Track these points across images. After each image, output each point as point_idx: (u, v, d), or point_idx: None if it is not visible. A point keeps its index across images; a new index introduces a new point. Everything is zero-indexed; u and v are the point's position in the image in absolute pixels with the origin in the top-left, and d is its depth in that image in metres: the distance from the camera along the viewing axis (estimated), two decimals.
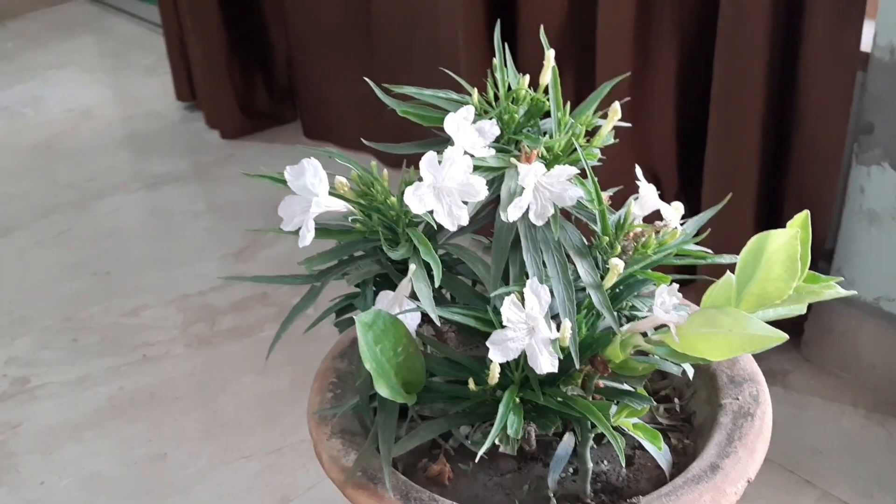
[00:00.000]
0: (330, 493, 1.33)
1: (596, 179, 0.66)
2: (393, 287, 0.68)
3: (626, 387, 0.71)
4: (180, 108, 2.43)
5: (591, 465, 0.71)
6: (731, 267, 0.66)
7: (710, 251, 0.73)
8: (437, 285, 0.63)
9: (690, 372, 0.70)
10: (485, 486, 0.73)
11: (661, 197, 0.72)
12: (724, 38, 1.23)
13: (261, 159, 2.15)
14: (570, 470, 0.74)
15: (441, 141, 0.70)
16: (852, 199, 1.35)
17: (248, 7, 2.18)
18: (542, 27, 0.73)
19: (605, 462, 0.75)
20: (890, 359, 1.39)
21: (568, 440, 0.73)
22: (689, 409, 0.79)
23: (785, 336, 0.60)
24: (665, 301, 0.64)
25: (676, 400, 0.80)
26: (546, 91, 0.71)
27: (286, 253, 1.86)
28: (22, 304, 1.73)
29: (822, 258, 1.40)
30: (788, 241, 0.60)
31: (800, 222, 0.61)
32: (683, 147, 1.40)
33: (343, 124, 2.08)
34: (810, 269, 0.63)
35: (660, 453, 0.71)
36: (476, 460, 0.63)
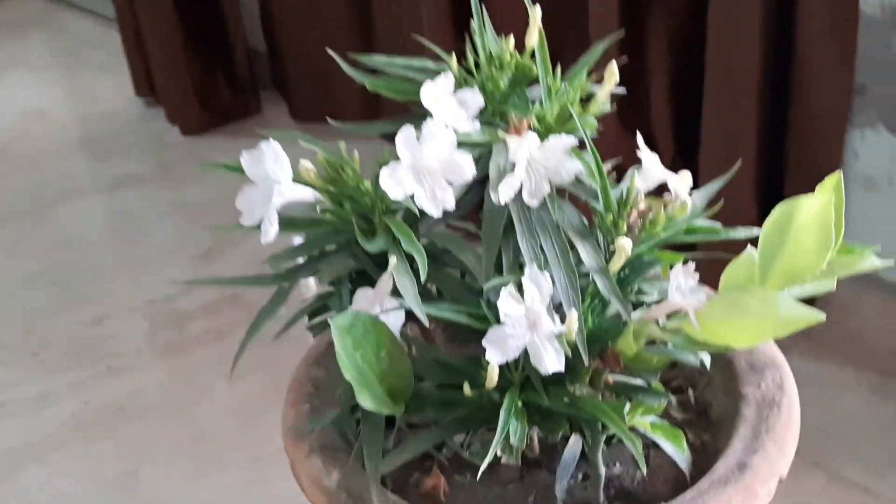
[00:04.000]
0: None
1: (596, 150, 0.59)
2: (371, 284, 0.60)
3: (637, 382, 0.64)
4: (138, 106, 2.34)
5: (603, 470, 0.64)
6: (750, 242, 0.59)
7: (719, 225, 0.66)
8: (423, 280, 0.55)
9: (707, 361, 0.62)
10: (485, 499, 0.66)
11: None
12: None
13: (224, 155, 2.06)
14: (580, 476, 0.67)
15: (420, 116, 0.62)
16: (847, 165, 1.28)
17: None
18: None
19: (617, 465, 0.68)
20: (892, 330, 1.33)
21: (574, 443, 0.66)
22: (704, 400, 0.72)
23: (822, 315, 0.53)
24: (681, 283, 0.56)
25: (690, 391, 0.73)
26: (532, 55, 0.63)
27: (255, 251, 1.76)
28: None
29: None
30: (821, 208, 0.53)
31: (831, 186, 0.54)
32: (679, 112, 1.33)
33: (336, 102, 2.00)
34: None
35: (678, 454, 0.63)
36: (478, 475, 0.55)
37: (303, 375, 0.72)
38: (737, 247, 0.60)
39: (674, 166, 0.64)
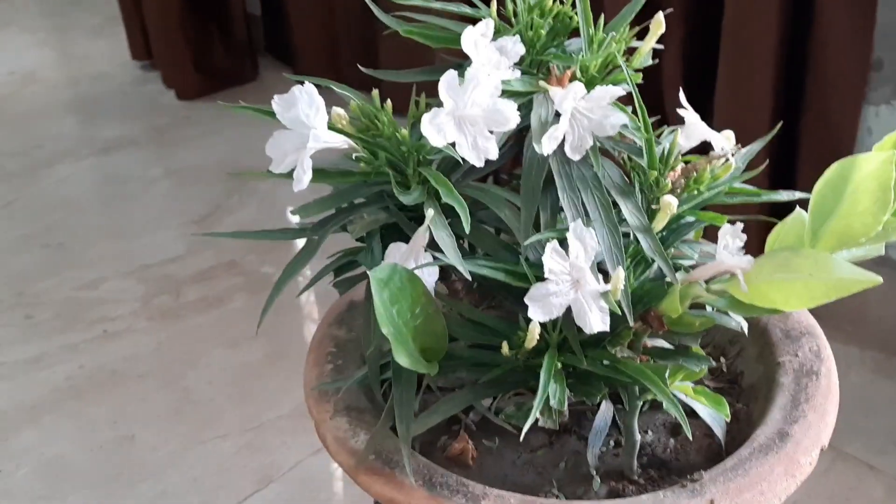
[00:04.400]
0: (315, 472, 1.24)
1: (643, 103, 0.56)
2: (402, 238, 0.58)
3: (666, 345, 0.61)
4: (131, 70, 2.29)
5: (638, 437, 0.62)
6: (799, 203, 0.57)
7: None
8: (467, 232, 0.52)
9: (745, 327, 0.60)
10: (514, 464, 0.64)
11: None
12: None
13: (220, 121, 2.02)
14: (611, 443, 0.65)
15: (453, 66, 0.60)
16: (859, 142, 1.26)
17: None
18: None
19: (650, 432, 0.66)
20: None
21: (606, 409, 0.64)
22: (736, 368, 0.70)
23: (878, 278, 0.51)
24: (729, 244, 0.54)
25: (722, 359, 0.71)
26: (573, 5, 0.61)
27: (251, 219, 1.74)
28: None
29: None
30: (881, 166, 0.50)
31: (892, 143, 0.52)
32: (691, 81, 1.31)
33: (343, 64, 1.97)
34: None
35: (717, 421, 0.62)
36: (521, 436, 0.53)
37: (324, 335, 0.70)
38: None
39: None
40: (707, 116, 1.30)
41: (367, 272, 0.53)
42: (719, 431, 0.62)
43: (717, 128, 1.30)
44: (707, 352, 0.72)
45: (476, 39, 0.55)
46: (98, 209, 1.83)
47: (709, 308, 0.58)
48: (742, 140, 0.65)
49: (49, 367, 1.38)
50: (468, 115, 0.52)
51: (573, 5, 0.60)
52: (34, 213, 1.78)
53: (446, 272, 0.61)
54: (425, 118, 0.51)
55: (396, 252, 0.57)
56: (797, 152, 1.24)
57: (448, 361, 0.58)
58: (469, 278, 0.53)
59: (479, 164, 0.53)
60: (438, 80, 0.53)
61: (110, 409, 1.30)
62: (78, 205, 1.82)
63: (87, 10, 2.64)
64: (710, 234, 0.62)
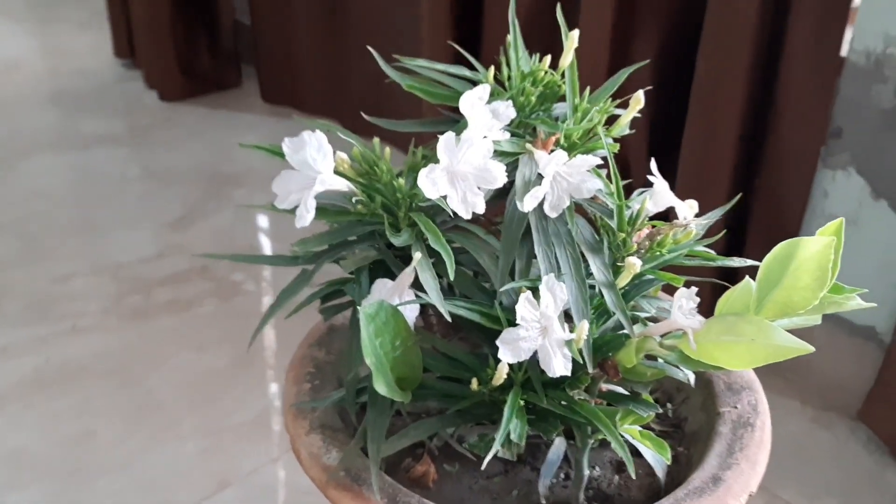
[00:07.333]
0: (271, 479, 1.28)
1: (617, 171, 0.62)
2: (388, 275, 0.63)
3: (620, 390, 0.67)
4: (115, 66, 2.32)
5: (587, 471, 0.67)
6: (747, 272, 0.63)
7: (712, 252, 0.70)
8: (451, 277, 0.58)
9: (693, 379, 0.66)
10: (470, 489, 0.69)
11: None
12: (710, 33, 1.20)
13: (202, 125, 2.06)
14: (561, 475, 0.70)
15: (449, 121, 0.65)
16: (814, 204, 1.34)
17: None
18: (558, 3, 0.69)
19: (597, 468, 0.71)
20: (838, 362, 1.39)
21: (559, 444, 0.70)
22: (681, 414, 0.76)
23: (811, 348, 0.57)
24: (683, 305, 0.60)
25: (669, 405, 0.77)
26: (562, 75, 0.67)
27: (225, 225, 1.78)
28: None
29: None
30: (822, 249, 0.57)
31: (833, 230, 0.59)
32: (655, 146, 1.38)
33: (306, 89, 2.01)
34: None
35: (659, 463, 0.67)
36: (483, 465, 0.58)
37: (304, 355, 0.75)
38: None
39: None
40: (669, 177, 1.38)
41: (356, 304, 0.58)
42: (660, 472, 0.68)
43: (680, 187, 1.37)
44: (656, 397, 0.78)
45: (473, 102, 0.60)
46: (74, 204, 1.85)
47: (660, 360, 0.64)
48: (704, 198, 0.71)
49: (16, 357, 1.41)
50: (461, 171, 0.58)
51: (562, 75, 0.66)
52: (9, 203, 1.80)
53: (423, 306, 0.66)
54: (422, 172, 0.57)
55: (383, 288, 0.62)
56: (749, 216, 1.31)
57: (420, 390, 0.63)
58: (448, 318, 0.59)
59: (467, 216, 0.58)
60: (430, 131, 0.59)
61: (75, 403, 1.33)
62: (54, 198, 1.85)
63: (75, 3, 2.67)
64: (669, 288, 0.68)
